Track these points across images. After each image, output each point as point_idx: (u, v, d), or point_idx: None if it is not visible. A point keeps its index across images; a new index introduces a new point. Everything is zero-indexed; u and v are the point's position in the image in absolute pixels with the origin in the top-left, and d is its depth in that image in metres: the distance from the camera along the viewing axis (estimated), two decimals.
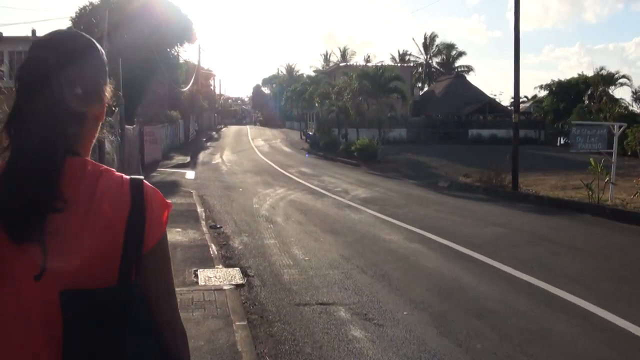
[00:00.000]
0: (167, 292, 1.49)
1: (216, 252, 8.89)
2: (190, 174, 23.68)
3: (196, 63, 56.41)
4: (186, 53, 68.46)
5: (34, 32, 32.01)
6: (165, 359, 1.42)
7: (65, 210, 1.30)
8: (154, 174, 23.30)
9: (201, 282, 7.23)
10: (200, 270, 7.78)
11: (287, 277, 7.77)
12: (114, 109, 11.69)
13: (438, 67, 79.78)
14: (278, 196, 17.08)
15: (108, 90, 1.49)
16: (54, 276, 1.29)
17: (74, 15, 33.94)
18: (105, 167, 1.44)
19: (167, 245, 1.50)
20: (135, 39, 31.12)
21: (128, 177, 1.46)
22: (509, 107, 58.82)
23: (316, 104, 39.12)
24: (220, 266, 8.11)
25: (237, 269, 8.00)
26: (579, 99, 46.08)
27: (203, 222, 11.47)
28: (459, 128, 47.85)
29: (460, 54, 79.26)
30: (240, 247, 9.71)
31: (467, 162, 28.61)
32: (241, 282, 7.36)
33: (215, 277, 7.49)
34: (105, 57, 1.49)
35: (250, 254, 9.17)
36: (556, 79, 49.09)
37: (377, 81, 29.31)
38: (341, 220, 12.80)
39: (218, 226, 11.66)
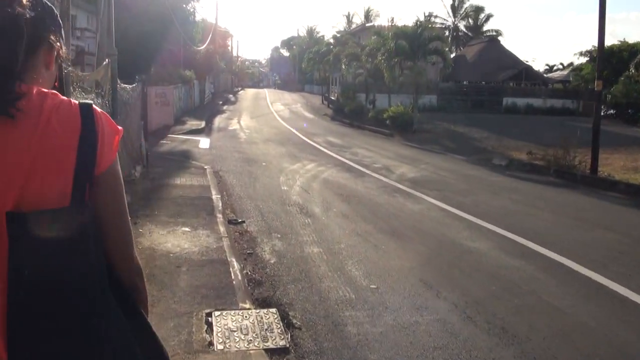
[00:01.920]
0: (121, 219, 1.49)
1: (239, 274, 5.97)
2: (204, 143, 20.81)
3: (212, 22, 52.94)
4: (202, 10, 65.01)
5: None
6: (119, 290, 1.42)
7: (12, 126, 1.26)
8: (164, 141, 20.49)
9: (218, 345, 4.35)
10: (217, 313, 4.91)
11: (354, 331, 4.87)
12: (106, 60, 8.78)
13: (465, 31, 75.72)
14: (309, 174, 14.19)
15: (60, 46, 1.47)
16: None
17: None
18: (49, 90, 1.38)
19: (119, 170, 1.48)
20: None
21: (76, 101, 1.41)
22: (546, 74, 55.22)
23: (343, 66, 35.81)
24: (247, 303, 5.22)
25: (274, 310, 5.10)
26: (623, 67, 42.29)
27: (219, 216, 8.55)
28: (493, 96, 44.40)
29: (489, 17, 75.03)
30: (272, 261, 6.81)
31: (511, 135, 25.62)
32: (283, 343, 4.49)
33: (241, 330, 4.61)
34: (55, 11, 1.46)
35: (288, 276, 6.28)
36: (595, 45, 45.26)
37: (416, 41, 25.97)
38: (398, 214, 9.87)
39: (239, 220, 8.78)
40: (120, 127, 1.48)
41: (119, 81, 9.39)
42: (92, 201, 1.35)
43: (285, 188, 12.02)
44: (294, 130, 27.44)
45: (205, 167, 13.72)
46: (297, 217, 9.31)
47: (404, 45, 26.23)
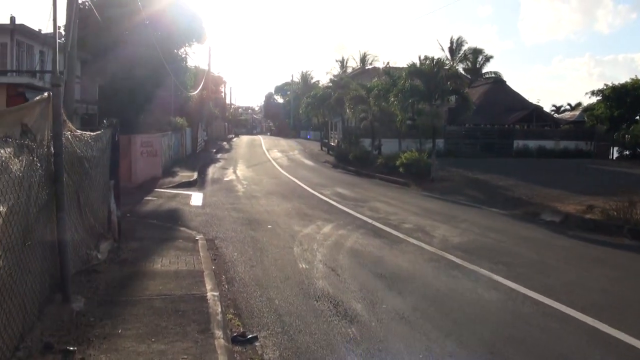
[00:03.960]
0: None
1: None
2: (196, 198, 17.79)
3: (205, 68, 50.40)
4: (195, 56, 62.86)
5: (12, 19, 26.41)
6: None
7: None
8: (149, 197, 17.50)
9: None
10: None
11: None
12: (44, 93, 5.86)
13: (464, 73, 73.78)
14: (329, 240, 11.18)
15: None
16: None
17: None
18: None
19: None
20: (135, 35, 25.55)
21: None
22: (556, 115, 52.83)
23: (347, 110, 33.10)
24: None
25: None
26: (638, 105, 39.63)
27: (219, 333, 5.42)
28: (503, 138, 41.83)
29: (488, 58, 73.12)
30: None
31: (540, 182, 22.73)
32: None
33: None
34: None
35: None
36: (610, 83, 42.67)
37: (432, 80, 23.27)
38: (477, 312, 6.80)
39: (249, 336, 5.72)
40: None
41: (70, 125, 6.43)
42: None
43: (304, 266, 8.98)
44: (296, 181, 24.48)
45: (197, 236, 10.61)
46: (334, 323, 6.24)
47: (419, 85, 23.52)
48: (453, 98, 27.01)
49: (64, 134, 5.97)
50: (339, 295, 7.29)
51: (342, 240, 11.24)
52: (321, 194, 19.67)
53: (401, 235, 11.87)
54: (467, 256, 9.85)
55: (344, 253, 10.06)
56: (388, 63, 67.33)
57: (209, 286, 6.90)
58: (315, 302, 7.03)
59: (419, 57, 25.24)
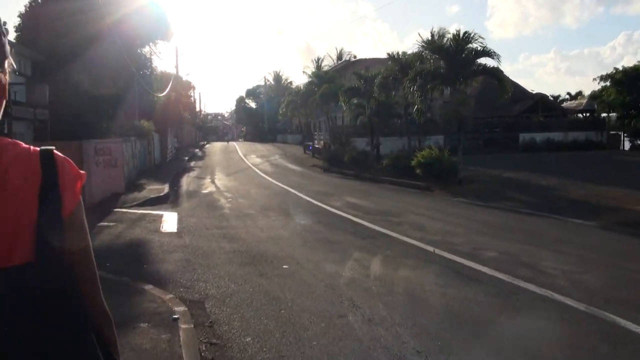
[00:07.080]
0: (88, 262, 1.32)
1: None
2: (169, 221, 13.09)
3: (172, 72, 45.13)
4: (161, 57, 57.88)
5: None
6: (92, 343, 1.25)
7: None
8: (105, 222, 12.89)
9: None
10: None
11: None
12: None
13: None
14: (397, 294, 6.77)
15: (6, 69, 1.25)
16: None
17: None
18: (11, 139, 1.26)
19: (83, 215, 1.30)
20: (98, 36, 20.78)
21: (37, 148, 1.27)
22: (564, 105, 49.01)
23: (343, 104, 28.53)
24: None
25: None
26: None
27: None
28: (507, 132, 37.77)
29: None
30: None
31: (585, 179, 18.59)
32: None
33: None
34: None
35: None
36: (620, 67, 38.74)
37: (457, 59, 18.81)
38: None
39: None
40: (83, 172, 1.33)
41: None
42: (62, 251, 1.21)
43: None
44: (291, 190, 19.85)
45: (176, 308, 5.85)
46: None
47: (440, 66, 19.08)
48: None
49: None
50: None
51: (419, 293, 6.75)
52: (331, 206, 15.13)
53: (501, 277, 7.38)
54: None
55: (447, 327, 5.55)
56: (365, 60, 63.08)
57: None
58: None
59: (432, 33, 20.83)
